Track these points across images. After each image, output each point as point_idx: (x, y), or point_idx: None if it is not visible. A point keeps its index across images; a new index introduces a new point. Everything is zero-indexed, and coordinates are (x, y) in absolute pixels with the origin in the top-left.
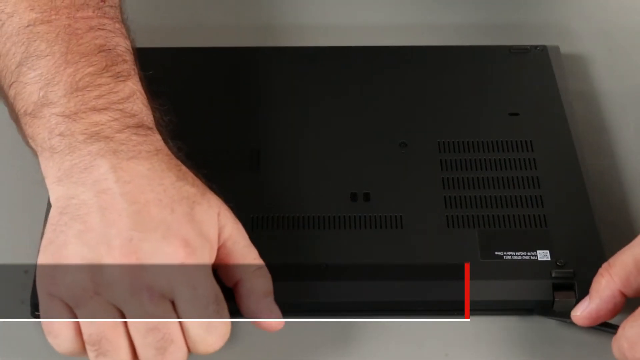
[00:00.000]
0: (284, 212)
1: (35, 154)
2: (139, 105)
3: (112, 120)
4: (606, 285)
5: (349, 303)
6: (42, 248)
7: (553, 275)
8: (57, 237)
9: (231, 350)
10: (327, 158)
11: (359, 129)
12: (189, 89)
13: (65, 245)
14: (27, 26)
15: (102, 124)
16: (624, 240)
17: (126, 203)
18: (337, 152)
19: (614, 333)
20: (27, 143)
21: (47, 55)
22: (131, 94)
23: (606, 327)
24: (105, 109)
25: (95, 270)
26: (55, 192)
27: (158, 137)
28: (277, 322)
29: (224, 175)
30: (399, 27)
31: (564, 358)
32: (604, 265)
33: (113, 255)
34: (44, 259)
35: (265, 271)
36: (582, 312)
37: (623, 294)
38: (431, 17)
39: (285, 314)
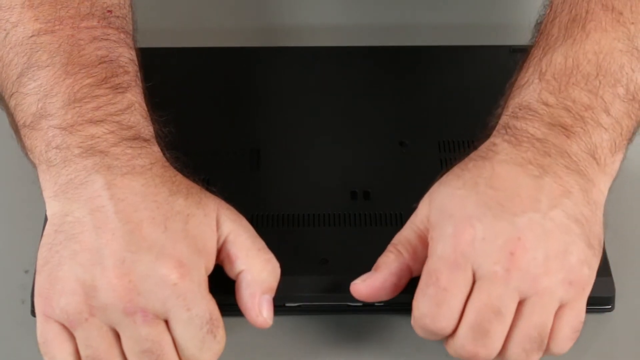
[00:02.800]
0: (284, 210)
1: (34, 166)
2: (137, 117)
3: (108, 133)
4: (395, 259)
5: (349, 298)
6: (38, 268)
7: None
8: (52, 257)
9: (228, 347)
10: (327, 157)
11: (359, 128)
12: (190, 89)
13: (60, 266)
14: (31, 36)
15: (97, 137)
16: (625, 238)
17: (120, 222)
18: (337, 151)
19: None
20: (27, 155)
21: (48, 66)
22: (129, 106)
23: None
24: (102, 120)
25: (89, 292)
26: (52, 208)
27: (155, 148)
28: (263, 319)
29: (225, 174)
30: (399, 27)
31: (564, 357)
32: (389, 245)
33: (107, 276)
34: (40, 280)
35: (273, 266)
36: (365, 281)
37: (410, 271)
38: (431, 17)
39: (283, 307)
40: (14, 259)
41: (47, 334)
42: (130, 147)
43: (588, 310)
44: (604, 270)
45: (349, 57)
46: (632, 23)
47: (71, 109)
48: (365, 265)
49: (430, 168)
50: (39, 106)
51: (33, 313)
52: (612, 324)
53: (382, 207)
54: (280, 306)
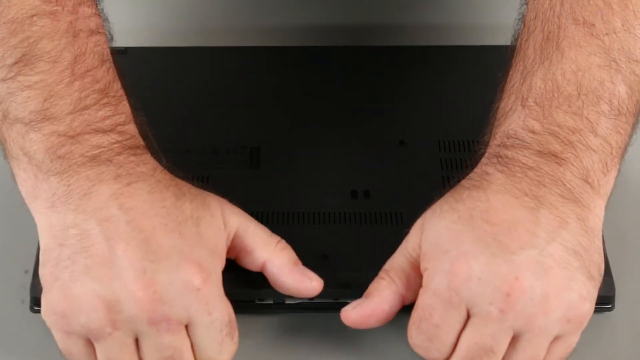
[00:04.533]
0: (284, 208)
1: (8, 159)
2: (134, 126)
3: (114, 143)
4: (387, 286)
5: (349, 294)
6: (46, 285)
7: None
8: (61, 273)
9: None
10: (328, 156)
11: (359, 127)
12: (190, 88)
13: (74, 282)
14: (32, 16)
15: (103, 147)
16: (625, 238)
17: (133, 231)
18: (338, 150)
19: None
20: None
21: (55, 62)
22: (129, 114)
23: None
24: (110, 130)
25: (111, 307)
26: (48, 218)
27: (149, 155)
28: (317, 282)
29: (225, 172)
30: (399, 27)
31: None
32: (381, 271)
33: (129, 289)
34: (52, 298)
35: (285, 243)
36: (355, 308)
37: (402, 299)
38: (432, 17)
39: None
40: (14, 259)
41: (71, 348)
42: (133, 154)
43: None
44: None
45: (350, 57)
46: (606, 34)
47: (79, 115)
48: (366, 263)
49: (430, 167)
50: (44, 106)
51: (32, 309)
52: (612, 323)
53: (382, 206)
54: (280, 303)
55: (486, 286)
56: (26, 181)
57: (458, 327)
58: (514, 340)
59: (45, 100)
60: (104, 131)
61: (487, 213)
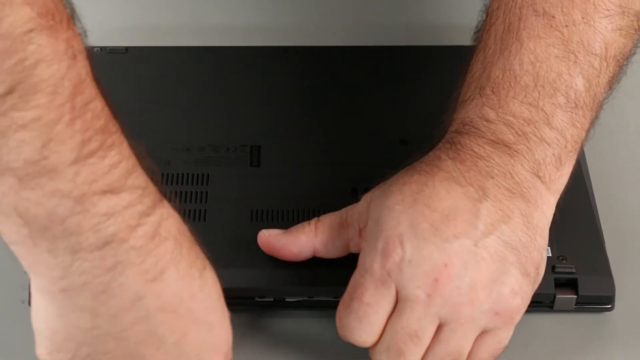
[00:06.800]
0: (285, 206)
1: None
2: (143, 173)
3: (126, 208)
4: (306, 232)
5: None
6: None
7: (555, 270)
8: None
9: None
10: (328, 154)
11: (360, 126)
12: (191, 87)
13: None
14: (29, 32)
15: (113, 215)
16: (625, 236)
17: (165, 334)
18: (339, 148)
19: None
20: None
21: (54, 93)
22: (131, 152)
23: None
24: (120, 187)
25: None
26: (60, 302)
27: (166, 208)
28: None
29: (226, 170)
30: (400, 27)
31: (563, 356)
32: (315, 218)
33: None
34: None
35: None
36: (271, 235)
37: (313, 250)
38: (432, 17)
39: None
40: (14, 259)
41: None
42: (150, 226)
43: (588, 310)
44: (604, 269)
45: (350, 57)
46: (565, 26)
47: (83, 166)
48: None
49: None
50: (42, 154)
51: (30, 304)
52: (612, 323)
53: None
54: (280, 301)
55: (415, 269)
56: (20, 244)
57: (388, 308)
58: (439, 329)
59: (44, 146)
60: (113, 190)
61: (430, 198)
